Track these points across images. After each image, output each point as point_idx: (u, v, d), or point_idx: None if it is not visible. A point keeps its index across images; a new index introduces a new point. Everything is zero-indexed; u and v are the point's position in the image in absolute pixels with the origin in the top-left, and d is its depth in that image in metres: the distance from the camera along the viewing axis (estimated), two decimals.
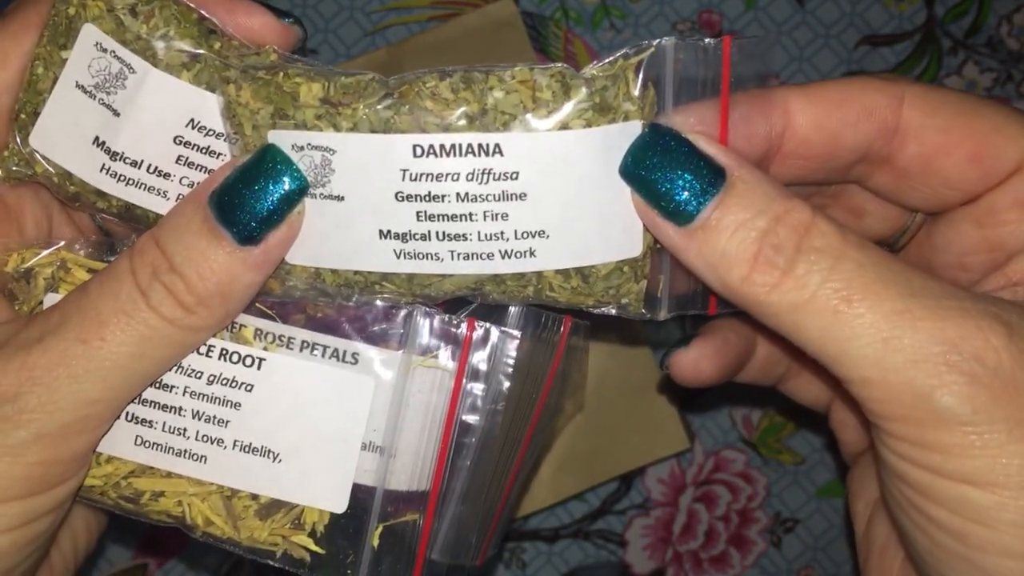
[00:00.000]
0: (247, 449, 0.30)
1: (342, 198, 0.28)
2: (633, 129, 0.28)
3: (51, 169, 0.30)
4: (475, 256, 0.28)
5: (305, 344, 0.30)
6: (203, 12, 0.29)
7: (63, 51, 0.29)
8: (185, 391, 0.30)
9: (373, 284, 0.29)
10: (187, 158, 0.29)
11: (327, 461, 0.30)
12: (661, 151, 0.27)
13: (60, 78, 0.29)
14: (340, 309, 0.30)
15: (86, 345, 0.27)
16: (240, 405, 0.30)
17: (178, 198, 0.30)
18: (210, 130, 0.29)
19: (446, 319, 0.30)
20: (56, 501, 0.28)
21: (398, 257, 0.28)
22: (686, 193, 0.27)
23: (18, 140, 0.30)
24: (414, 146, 0.27)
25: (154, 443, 0.30)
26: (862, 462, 0.37)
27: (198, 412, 0.30)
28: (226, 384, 0.30)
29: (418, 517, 0.30)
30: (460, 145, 0.27)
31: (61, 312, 0.28)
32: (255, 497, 0.30)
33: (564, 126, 0.27)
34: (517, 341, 0.30)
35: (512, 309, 0.31)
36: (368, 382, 0.30)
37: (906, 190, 0.31)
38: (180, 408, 0.30)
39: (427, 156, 0.27)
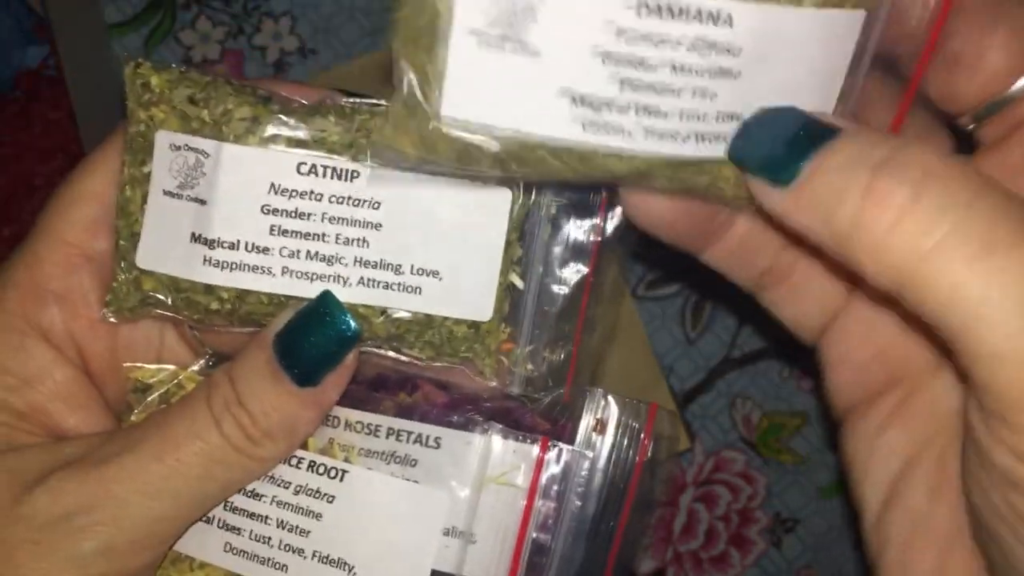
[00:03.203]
0: (325, 560, 0.31)
1: (538, 54, 0.24)
2: (857, 18, 0.25)
3: (159, 283, 0.30)
4: (669, 136, 0.25)
5: (391, 431, 0.31)
6: (257, 86, 0.30)
7: (144, 167, 0.30)
8: (273, 500, 0.31)
9: (541, 156, 0.26)
10: (280, 226, 0.30)
11: None
12: (767, 125, 0.25)
13: (149, 192, 0.30)
14: (428, 398, 0.31)
15: (160, 464, 0.28)
16: (321, 516, 0.31)
17: (283, 271, 0.30)
18: (292, 191, 0.29)
19: (519, 436, 0.31)
20: None
21: (584, 129, 0.25)
22: (789, 147, 0.23)
23: (123, 266, 0.30)
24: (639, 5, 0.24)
25: (241, 550, 0.31)
26: (867, 424, 0.30)
27: (282, 521, 0.31)
28: (310, 495, 0.31)
29: None
30: (688, 8, 0.24)
31: (141, 430, 0.29)
32: None
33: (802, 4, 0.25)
34: (590, 461, 0.31)
35: (582, 424, 0.31)
36: (443, 498, 0.30)
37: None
38: (266, 517, 0.31)
39: (651, 15, 0.24)
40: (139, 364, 0.33)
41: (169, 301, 0.30)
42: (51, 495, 0.28)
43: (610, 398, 0.31)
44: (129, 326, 0.32)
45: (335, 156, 0.29)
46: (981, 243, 0.20)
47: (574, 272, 0.32)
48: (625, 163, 0.26)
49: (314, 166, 0.29)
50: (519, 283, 0.31)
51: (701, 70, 0.25)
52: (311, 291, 0.30)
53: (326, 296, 0.29)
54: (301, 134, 0.29)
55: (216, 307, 0.30)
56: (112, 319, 0.31)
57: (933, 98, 0.27)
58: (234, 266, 0.30)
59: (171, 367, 0.33)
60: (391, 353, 0.32)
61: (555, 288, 0.32)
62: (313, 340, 0.29)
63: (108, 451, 0.29)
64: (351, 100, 0.30)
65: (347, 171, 0.29)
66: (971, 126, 0.28)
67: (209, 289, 0.30)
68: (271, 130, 0.29)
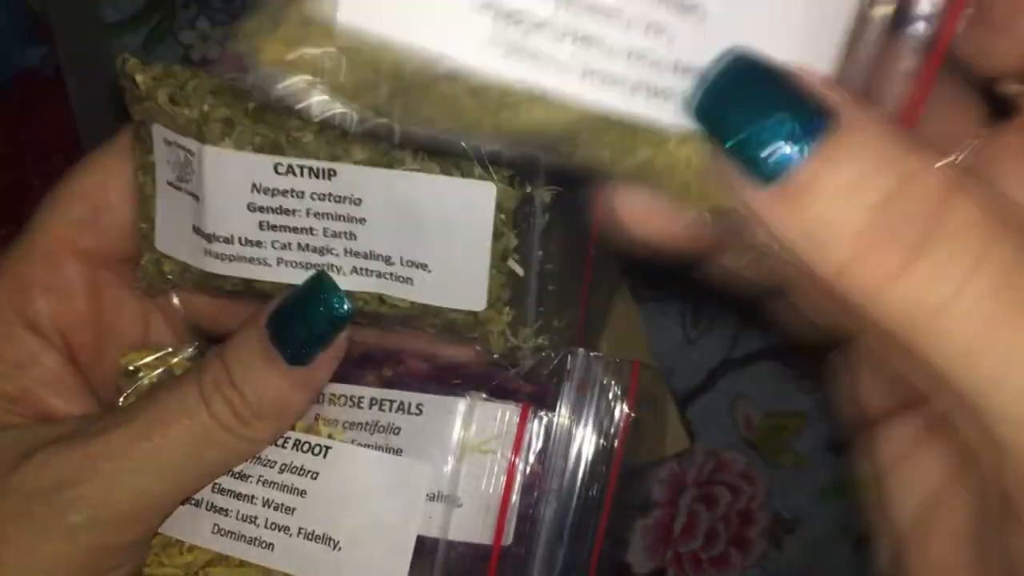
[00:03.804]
0: (310, 536, 0.31)
1: None
2: None
3: (177, 266, 0.31)
4: (615, 82, 0.20)
5: (374, 401, 0.31)
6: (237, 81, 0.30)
7: (149, 155, 0.31)
8: (259, 480, 0.31)
9: (438, 90, 0.20)
10: (267, 222, 0.30)
11: (383, 551, 0.30)
12: (746, 83, 0.20)
13: (156, 180, 0.31)
14: (411, 370, 0.31)
15: (149, 441, 0.28)
16: (306, 492, 0.31)
17: (278, 262, 0.30)
18: (274, 190, 0.30)
19: (501, 401, 0.31)
20: None
21: (507, 56, 0.19)
22: (778, 138, 0.19)
23: (147, 247, 0.31)
24: None
25: (229, 531, 0.31)
26: (890, 442, 0.26)
27: (268, 500, 0.31)
28: (295, 472, 0.31)
29: None
30: None
31: (130, 410, 0.30)
32: None
33: None
34: (573, 422, 0.31)
35: (565, 387, 0.31)
36: (425, 468, 0.30)
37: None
38: (252, 496, 0.31)
39: None
40: (131, 349, 0.33)
41: (185, 283, 0.31)
42: (39, 469, 0.28)
43: (592, 358, 0.31)
44: (113, 314, 0.33)
45: (310, 156, 0.29)
46: (994, 304, 0.18)
47: (575, 252, 0.32)
48: (553, 114, 0.20)
49: (290, 166, 0.29)
50: (519, 270, 0.31)
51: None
52: None
53: (320, 276, 0.29)
54: (274, 136, 0.29)
55: (229, 288, 0.31)
56: (143, 293, 0.32)
57: (964, 57, 0.23)
58: (232, 258, 0.30)
59: (162, 352, 0.33)
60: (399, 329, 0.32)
61: (556, 269, 0.32)
62: (306, 320, 0.29)
63: (97, 428, 0.29)
64: None
65: (324, 169, 0.29)
66: (1012, 89, 0.24)
67: (216, 275, 0.31)
68: (244, 133, 0.29)
